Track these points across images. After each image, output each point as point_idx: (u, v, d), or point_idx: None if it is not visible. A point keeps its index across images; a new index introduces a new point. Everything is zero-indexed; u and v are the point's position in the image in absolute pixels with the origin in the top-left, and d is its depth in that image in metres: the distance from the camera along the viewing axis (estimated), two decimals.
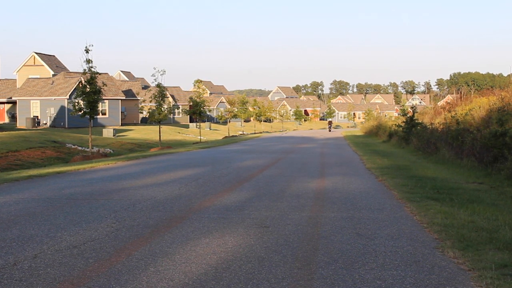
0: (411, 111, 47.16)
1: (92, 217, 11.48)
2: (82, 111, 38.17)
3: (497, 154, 21.76)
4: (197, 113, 64.77)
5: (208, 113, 74.66)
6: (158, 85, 49.82)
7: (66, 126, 73.54)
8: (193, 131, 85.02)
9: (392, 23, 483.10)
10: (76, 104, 38.33)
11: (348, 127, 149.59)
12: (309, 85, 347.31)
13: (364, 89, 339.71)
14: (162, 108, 51.01)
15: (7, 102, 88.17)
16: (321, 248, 8.93)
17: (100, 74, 39.57)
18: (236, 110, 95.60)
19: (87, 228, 10.34)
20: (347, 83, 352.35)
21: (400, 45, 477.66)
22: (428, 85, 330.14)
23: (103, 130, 66.18)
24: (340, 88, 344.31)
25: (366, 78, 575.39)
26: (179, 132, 79.89)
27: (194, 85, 68.97)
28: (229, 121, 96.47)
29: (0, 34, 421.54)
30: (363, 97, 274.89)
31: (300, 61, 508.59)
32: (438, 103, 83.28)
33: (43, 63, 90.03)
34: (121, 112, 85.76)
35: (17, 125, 75.53)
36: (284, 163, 26.53)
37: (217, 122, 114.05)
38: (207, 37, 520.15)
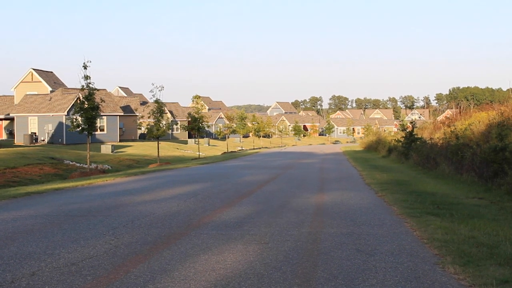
0: (411, 126, 47.16)
1: (91, 234, 11.42)
2: (80, 127, 38.22)
3: (497, 169, 21.72)
4: (195, 129, 64.79)
5: (206, 128, 74.73)
6: (157, 101, 49.79)
7: (64, 143, 73.49)
8: (192, 147, 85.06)
9: (391, 38, 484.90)
10: (74, 120, 38.41)
11: (347, 142, 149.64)
12: (308, 100, 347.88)
13: (363, 104, 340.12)
14: (161, 124, 50.97)
15: (5, 119, 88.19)
16: (321, 265, 8.87)
17: (98, 90, 39.68)
18: (234, 125, 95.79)
19: (85, 245, 10.28)
20: (346, 98, 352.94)
21: (399, 60, 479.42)
22: (427, 100, 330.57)
23: (101, 146, 66.21)
24: (339, 103, 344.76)
25: (365, 93, 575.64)
26: (177, 148, 79.91)
27: (193, 100, 69.06)
28: (228, 137, 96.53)
29: None
30: (362, 112, 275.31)
31: (299, 76, 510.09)
32: (438, 118, 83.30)
33: (40, 79, 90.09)
34: (119, 128, 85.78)
35: (15, 142, 75.49)
36: (283, 178, 26.50)
37: (216, 138, 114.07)
38: (206, 53, 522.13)
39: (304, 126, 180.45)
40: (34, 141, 73.95)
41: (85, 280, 7.95)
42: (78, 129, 38.39)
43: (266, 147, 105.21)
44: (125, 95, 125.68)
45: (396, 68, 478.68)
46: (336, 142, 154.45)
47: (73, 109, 43.86)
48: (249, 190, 20.71)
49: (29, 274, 8.24)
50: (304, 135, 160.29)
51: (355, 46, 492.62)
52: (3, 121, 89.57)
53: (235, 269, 8.59)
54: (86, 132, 38.65)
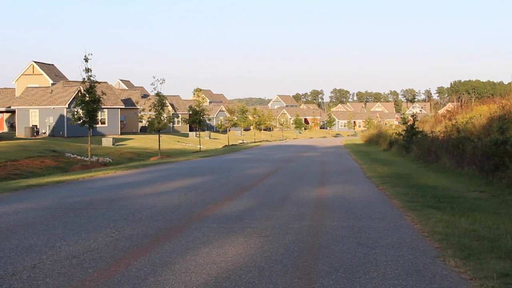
0: (412, 119, 47.14)
1: (91, 226, 11.43)
2: (81, 120, 38.25)
3: (498, 163, 21.70)
4: (196, 122, 64.75)
5: (207, 121, 74.64)
6: (158, 94, 49.70)
7: (65, 135, 73.47)
8: (193, 140, 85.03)
9: (392, 31, 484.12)
10: (75, 113, 38.37)
11: (348, 135, 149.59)
12: (309, 94, 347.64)
13: (364, 98, 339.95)
14: (162, 117, 50.87)
15: (6, 111, 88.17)
16: (322, 258, 8.87)
17: (99, 83, 39.66)
18: (236, 119, 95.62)
19: (86, 238, 10.29)
20: (347, 92, 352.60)
21: (400, 53, 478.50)
22: (428, 93, 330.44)
23: (103, 139, 66.20)
24: (340, 96, 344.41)
25: (366, 86, 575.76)
26: (178, 141, 79.87)
27: (194, 93, 68.93)
28: (229, 130, 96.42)
29: None
30: (363, 106, 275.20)
31: (300, 69, 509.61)
32: (439, 111, 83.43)
33: (42, 72, 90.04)
34: (121, 121, 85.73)
35: (16, 135, 75.43)
36: (284, 172, 26.50)
37: (217, 131, 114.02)
38: (207, 46, 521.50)
39: (305, 119, 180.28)
40: (35, 133, 73.90)
41: (86, 272, 7.96)
42: (79, 122, 38.42)
43: (267, 140, 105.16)
44: (126, 88, 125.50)
45: (397, 61, 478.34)
46: (337, 135, 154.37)
47: (74, 102, 43.79)
48: (250, 183, 20.71)
49: (30, 267, 8.25)
50: (305, 128, 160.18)
51: (356, 39, 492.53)
52: (4, 113, 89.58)
53: (236, 262, 8.59)
54: (87, 125, 38.66)
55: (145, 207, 14.25)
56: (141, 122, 78.16)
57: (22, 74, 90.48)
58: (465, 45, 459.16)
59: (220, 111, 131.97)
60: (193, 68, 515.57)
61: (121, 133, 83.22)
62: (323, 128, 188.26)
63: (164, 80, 49.47)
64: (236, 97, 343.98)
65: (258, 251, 9.32)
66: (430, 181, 21.46)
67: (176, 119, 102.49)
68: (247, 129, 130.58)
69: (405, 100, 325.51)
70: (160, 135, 53.86)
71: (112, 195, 16.86)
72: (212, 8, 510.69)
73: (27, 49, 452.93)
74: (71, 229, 11.19)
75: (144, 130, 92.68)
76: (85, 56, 37.54)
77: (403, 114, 69.44)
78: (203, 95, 69.65)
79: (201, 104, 65.24)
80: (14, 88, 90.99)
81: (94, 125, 40.27)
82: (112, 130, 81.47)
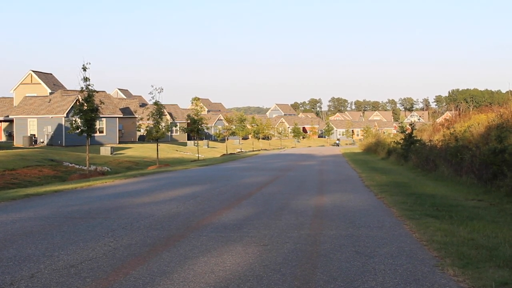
0: (410, 128, 47.15)
1: (90, 236, 11.41)
2: (80, 129, 38.22)
3: (496, 171, 21.71)
4: (195, 130, 64.78)
5: (206, 130, 74.57)
6: (156, 103, 49.69)
7: (64, 145, 73.41)
8: (191, 149, 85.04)
9: (390, 40, 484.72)
10: (74, 122, 38.41)
11: (346, 144, 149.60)
12: (307, 102, 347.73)
13: (362, 106, 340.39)
14: (160, 126, 50.90)
15: (4, 121, 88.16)
16: (320, 267, 8.85)
17: (97, 92, 39.62)
18: (234, 127, 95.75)
19: (84, 247, 10.26)
20: (346, 100, 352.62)
21: (399, 62, 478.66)
22: (426, 102, 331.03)
23: (101, 148, 66.17)
24: (339, 105, 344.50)
25: (365, 95, 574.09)
26: (177, 150, 79.87)
27: (192, 102, 68.95)
28: (227, 139, 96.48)
29: None
30: (362, 114, 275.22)
31: (298, 78, 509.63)
32: (437, 120, 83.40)
33: (40, 81, 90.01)
34: (119, 130, 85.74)
35: (14, 144, 75.42)
36: (283, 180, 26.48)
37: (215, 140, 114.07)
38: (205, 55, 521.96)
39: (304, 128, 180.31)
40: (33, 143, 73.87)
41: (84, 282, 7.93)
42: (77, 131, 38.42)
43: (265, 149, 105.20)
44: (125, 97, 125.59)
45: (396, 70, 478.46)
46: (335, 144, 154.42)
47: (73, 111, 43.76)
48: (248, 192, 20.69)
49: (28, 276, 8.23)
50: (303, 137, 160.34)
51: (354, 48, 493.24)
52: (2, 123, 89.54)
53: (234, 271, 8.57)
54: (85, 134, 38.63)
55: (144, 216, 14.22)
56: (139, 131, 78.05)
57: (20, 83, 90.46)
58: (463, 54, 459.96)
59: (218, 120, 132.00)
60: (192, 77, 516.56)
61: (119, 142, 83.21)
62: (322, 136, 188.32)
63: (162, 89, 49.54)
64: (234, 106, 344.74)
65: (256, 260, 9.30)
66: (428, 190, 21.44)
67: (174, 128, 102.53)
68: (245, 138, 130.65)
69: (403, 109, 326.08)
70: (158, 144, 53.75)
71: (110, 204, 16.84)
72: (210, 17, 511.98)
73: (25, 58, 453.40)
74: (69, 238, 11.17)
75: (142, 139, 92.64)
76: (83, 65, 37.63)
77: (401, 122, 69.38)
78: (201, 104, 69.73)
79: (199, 113, 65.29)
80: (12, 98, 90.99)
81: (92, 134, 40.28)
82: (110, 139, 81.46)
